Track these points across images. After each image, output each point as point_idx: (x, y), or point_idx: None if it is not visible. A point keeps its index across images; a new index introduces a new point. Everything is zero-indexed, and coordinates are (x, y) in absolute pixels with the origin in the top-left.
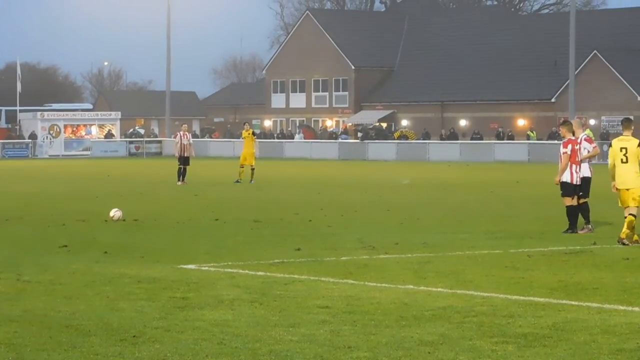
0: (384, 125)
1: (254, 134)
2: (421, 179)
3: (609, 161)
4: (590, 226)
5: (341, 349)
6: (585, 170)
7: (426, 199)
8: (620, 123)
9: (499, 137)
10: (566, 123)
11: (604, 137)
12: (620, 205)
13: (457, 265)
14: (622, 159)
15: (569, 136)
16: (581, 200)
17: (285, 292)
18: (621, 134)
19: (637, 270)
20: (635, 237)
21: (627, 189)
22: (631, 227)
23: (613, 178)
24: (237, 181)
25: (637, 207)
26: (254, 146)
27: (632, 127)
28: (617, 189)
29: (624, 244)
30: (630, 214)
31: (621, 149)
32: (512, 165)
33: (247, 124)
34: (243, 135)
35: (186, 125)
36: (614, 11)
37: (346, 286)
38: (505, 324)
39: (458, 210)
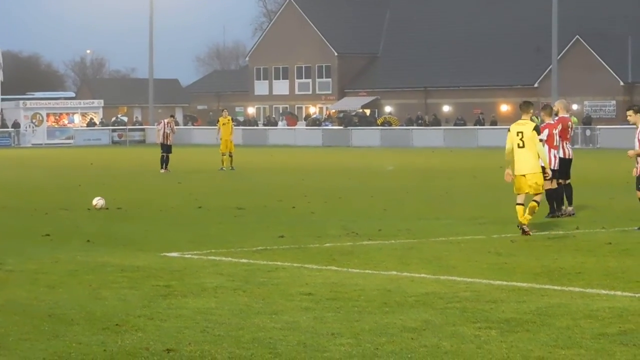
0: (367, 111)
1: (233, 120)
2: (405, 165)
3: (507, 146)
4: (571, 209)
5: (325, 335)
6: (562, 152)
7: (410, 185)
8: (595, 109)
9: (478, 123)
10: (546, 107)
11: (587, 122)
12: (514, 192)
13: (440, 251)
14: (518, 144)
15: (548, 121)
16: (562, 182)
17: (268, 279)
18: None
19: (620, 255)
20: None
21: (524, 175)
22: (532, 213)
23: (508, 165)
24: (221, 169)
25: (538, 193)
26: (232, 133)
27: (531, 111)
28: (514, 175)
29: (524, 230)
30: (534, 200)
31: (518, 133)
32: (495, 150)
33: (225, 110)
34: (222, 122)
35: (173, 116)
36: None
37: (329, 273)
38: (489, 309)
39: (441, 197)
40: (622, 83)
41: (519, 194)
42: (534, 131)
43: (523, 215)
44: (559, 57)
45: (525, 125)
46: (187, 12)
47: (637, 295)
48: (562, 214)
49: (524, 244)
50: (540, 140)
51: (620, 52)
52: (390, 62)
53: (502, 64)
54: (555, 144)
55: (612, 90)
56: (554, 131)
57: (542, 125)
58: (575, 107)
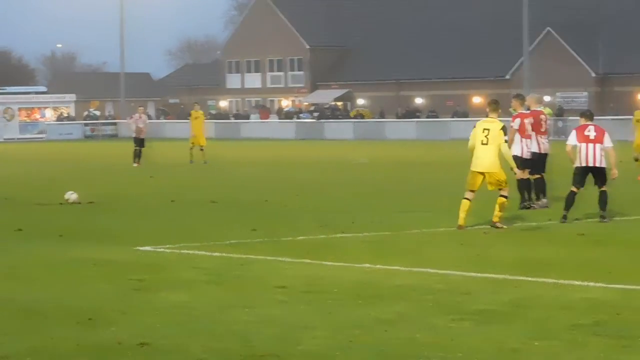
0: (340, 104)
1: (205, 115)
2: (378, 157)
3: (470, 142)
4: (545, 201)
5: (299, 328)
6: (536, 146)
7: (383, 177)
8: (547, 104)
9: (456, 115)
10: (518, 96)
11: (559, 113)
12: (466, 187)
13: (414, 244)
14: (482, 141)
15: (520, 110)
16: (536, 176)
17: (242, 272)
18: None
19: (593, 246)
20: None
21: (481, 172)
22: (502, 209)
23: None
24: (191, 162)
25: (502, 188)
26: (203, 126)
27: (500, 110)
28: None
29: (496, 226)
30: (501, 195)
31: (484, 129)
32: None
33: (196, 104)
34: (193, 116)
35: (142, 108)
36: None
37: (303, 266)
38: (463, 301)
39: (415, 189)
40: (593, 74)
41: (469, 190)
42: (501, 131)
43: (466, 211)
44: (531, 48)
45: (493, 123)
46: (158, 6)
47: (610, 286)
48: (533, 205)
49: (497, 235)
50: (505, 141)
51: (592, 43)
52: (363, 54)
53: (474, 56)
54: (527, 133)
55: (584, 82)
56: (525, 120)
57: (515, 114)
58: (547, 98)
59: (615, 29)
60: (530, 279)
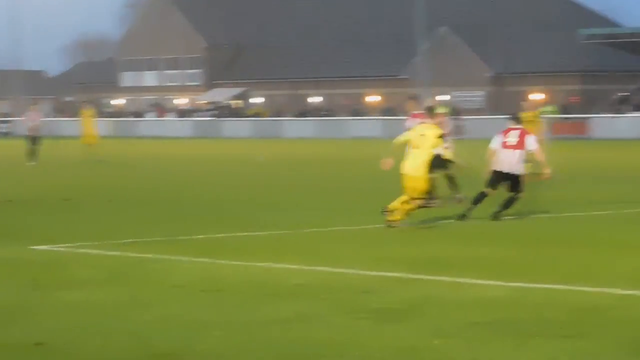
0: (237, 103)
1: (97, 114)
2: (276, 155)
3: (400, 138)
4: (460, 196)
5: (197, 328)
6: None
7: (281, 175)
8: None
9: (355, 113)
10: (413, 97)
11: (456, 112)
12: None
13: (313, 242)
14: (416, 143)
15: (414, 111)
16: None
17: (139, 271)
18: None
19: (490, 244)
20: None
21: (406, 175)
22: (405, 213)
23: (390, 154)
24: (85, 160)
25: (417, 197)
26: (93, 125)
27: (438, 118)
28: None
29: (391, 225)
30: (411, 201)
31: (421, 134)
32: (364, 141)
33: (86, 102)
34: (84, 115)
35: (36, 105)
36: None
37: (201, 265)
38: (361, 299)
39: (313, 187)
40: (489, 74)
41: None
42: (438, 138)
43: (401, 208)
44: (427, 47)
45: (432, 129)
46: (53, 3)
47: (507, 284)
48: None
49: (395, 233)
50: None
51: (488, 43)
52: (260, 53)
53: (369, 55)
54: None
55: (480, 81)
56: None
57: (410, 114)
58: (444, 98)
59: (509, 30)
60: (427, 277)
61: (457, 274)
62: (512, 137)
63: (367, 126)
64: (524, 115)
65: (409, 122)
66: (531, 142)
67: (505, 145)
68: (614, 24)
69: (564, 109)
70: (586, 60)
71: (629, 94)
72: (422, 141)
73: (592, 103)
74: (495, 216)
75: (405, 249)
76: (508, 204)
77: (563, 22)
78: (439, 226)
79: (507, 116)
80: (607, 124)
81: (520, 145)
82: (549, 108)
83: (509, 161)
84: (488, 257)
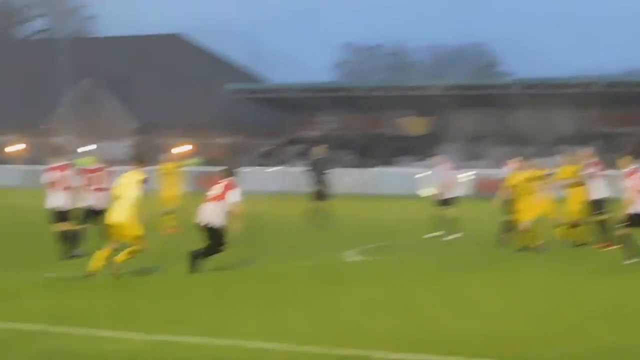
0: None
1: None
2: None
3: (112, 192)
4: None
5: None
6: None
7: None
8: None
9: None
10: (56, 148)
11: (103, 162)
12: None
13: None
14: (118, 195)
15: (55, 164)
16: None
17: None
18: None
19: (134, 295)
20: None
21: (113, 224)
22: (129, 255)
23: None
24: None
25: (131, 243)
26: None
27: (145, 164)
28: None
29: (114, 274)
30: (130, 247)
31: (122, 183)
32: (5, 190)
33: None
34: None
35: None
36: (111, 39)
37: None
38: None
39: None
40: (135, 125)
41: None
42: (138, 182)
43: (102, 260)
44: (71, 98)
45: (133, 175)
46: None
47: (148, 336)
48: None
49: (77, 282)
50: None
51: (133, 95)
52: None
53: (12, 104)
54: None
55: (126, 132)
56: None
57: (50, 166)
58: (92, 148)
59: (154, 83)
60: (65, 329)
61: (92, 325)
62: (215, 189)
63: (5, 175)
64: (163, 166)
65: (49, 173)
66: (235, 195)
67: (206, 197)
68: (259, 80)
69: (210, 162)
70: (232, 115)
71: (274, 147)
72: (122, 190)
73: (238, 156)
74: (193, 268)
75: (43, 299)
76: (207, 254)
77: (211, 77)
78: (77, 278)
79: (221, 168)
80: (250, 177)
81: (220, 197)
82: (193, 160)
83: (205, 213)
84: (124, 307)
